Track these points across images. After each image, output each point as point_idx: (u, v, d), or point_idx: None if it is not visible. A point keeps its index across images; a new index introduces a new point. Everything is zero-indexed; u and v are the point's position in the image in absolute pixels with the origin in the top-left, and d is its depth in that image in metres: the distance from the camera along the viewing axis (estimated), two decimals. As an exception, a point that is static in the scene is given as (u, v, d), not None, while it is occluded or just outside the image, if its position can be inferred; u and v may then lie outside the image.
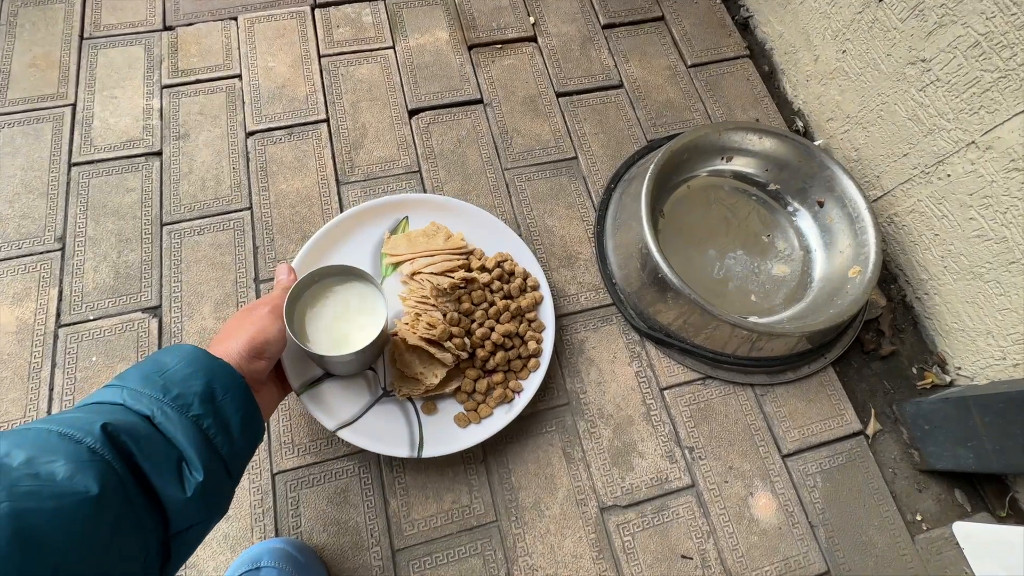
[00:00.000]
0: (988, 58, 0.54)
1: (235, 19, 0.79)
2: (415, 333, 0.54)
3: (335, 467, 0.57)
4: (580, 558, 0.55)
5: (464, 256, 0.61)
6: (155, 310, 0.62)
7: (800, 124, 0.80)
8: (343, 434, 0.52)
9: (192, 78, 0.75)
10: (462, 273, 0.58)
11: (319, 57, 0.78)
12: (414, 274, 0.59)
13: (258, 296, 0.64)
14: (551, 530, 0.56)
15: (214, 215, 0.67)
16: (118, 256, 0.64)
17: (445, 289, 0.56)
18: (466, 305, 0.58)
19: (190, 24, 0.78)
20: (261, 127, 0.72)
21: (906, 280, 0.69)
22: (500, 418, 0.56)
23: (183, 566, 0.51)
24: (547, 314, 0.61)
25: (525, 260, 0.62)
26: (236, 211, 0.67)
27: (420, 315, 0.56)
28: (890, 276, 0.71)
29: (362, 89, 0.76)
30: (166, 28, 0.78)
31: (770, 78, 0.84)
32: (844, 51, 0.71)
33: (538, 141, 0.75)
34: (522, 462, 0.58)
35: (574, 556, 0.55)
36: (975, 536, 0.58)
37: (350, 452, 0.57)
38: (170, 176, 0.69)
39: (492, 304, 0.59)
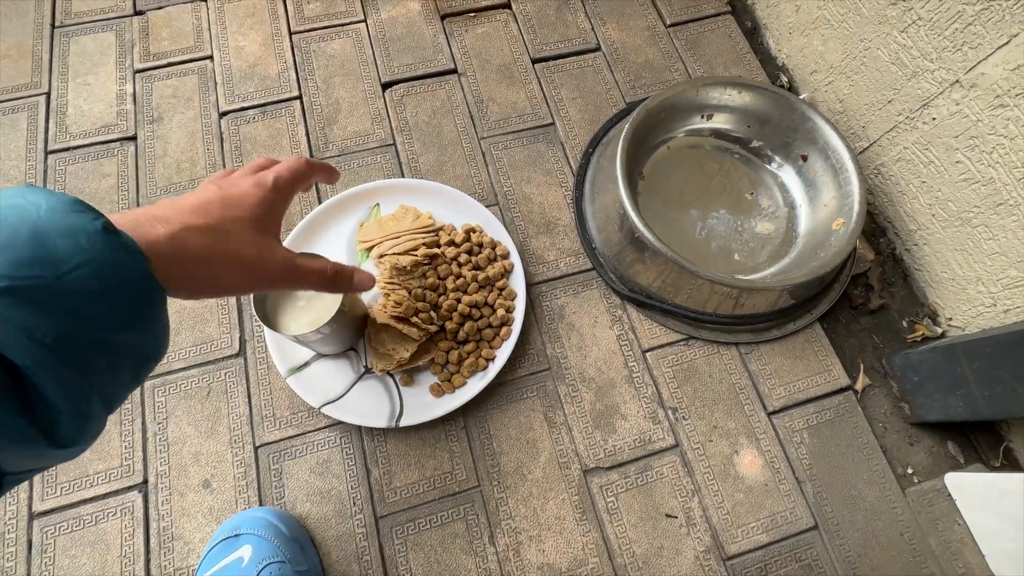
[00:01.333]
0: (969, -10, 0.51)
1: (205, 0, 0.78)
2: (384, 312, 0.56)
3: (317, 439, 0.57)
4: (563, 520, 0.55)
5: (432, 233, 0.62)
6: (135, 292, 0.62)
7: (784, 79, 0.78)
8: (327, 410, 0.54)
9: (164, 61, 0.74)
10: (424, 250, 0.59)
11: (290, 34, 0.77)
12: (381, 256, 0.60)
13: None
14: (534, 493, 0.56)
15: (190, 196, 0.67)
16: (97, 240, 0.64)
17: (405, 267, 0.58)
18: (431, 279, 0.59)
19: (160, 8, 0.78)
20: (234, 107, 0.72)
21: (895, 232, 0.67)
22: (473, 386, 0.56)
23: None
24: (518, 282, 0.61)
25: (494, 230, 0.63)
26: (212, 191, 0.67)
27: (388, 295, 0.57)
28: (878, 229, 0.69)
29: (334, 64, 0.75)
30: (136, 13, 0.78)
31: (752, 34, 0.82)
32: (825, -2, 0.68)
33: (514, 109, 0.74)
34: (503, 428, 0.58)
35: (557, 518, 0.55)
36: (967, 486, 0.56)
37: (331, 424, 0.57)
38: (145, 160, 0.69)
39: (459, 276, 0.60)
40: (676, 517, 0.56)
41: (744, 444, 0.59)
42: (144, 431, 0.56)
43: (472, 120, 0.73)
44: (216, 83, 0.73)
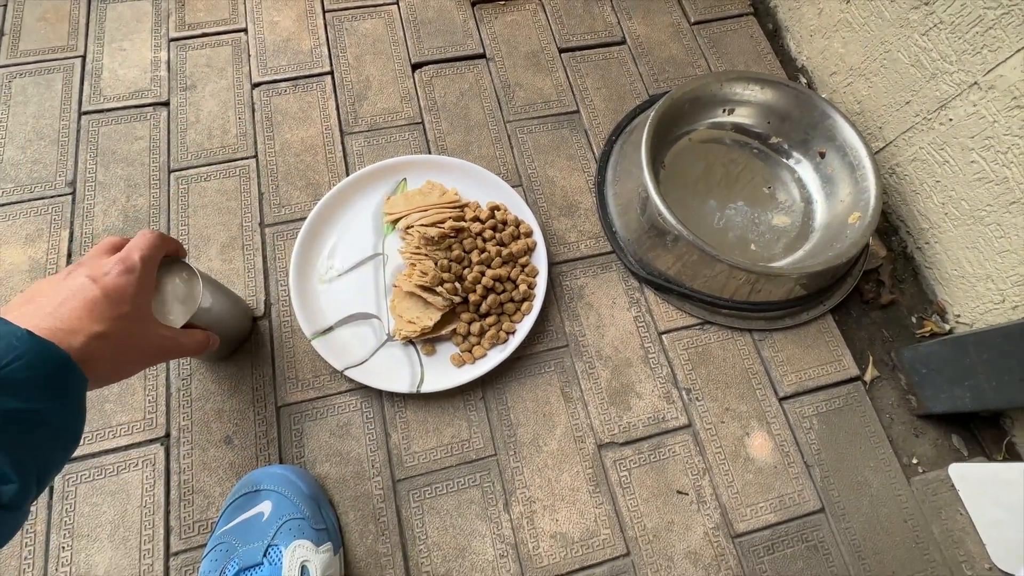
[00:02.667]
0: (991, -6, 0.53)
1: (241, -25, 0.80)
2: (410, 280, 0.57)
3: (337, 402, 0.58)
4: (577, 491, 0.56)
5: (458, 208, 0.63)
6: (163, 252, 0.63)
7: (804, 80, 0.80)
8: (350, 373, 0.56)
9: (199, 31, 0.76)
10: (451, 223, 0.60)
11: (324, 12, 0.78)
12: (408, 228, 0.62)
13: (263, 241, 0.65)
14: (549, 464, 0.57)
15: (220, 163, 0.68)
16: (127, 200, 0.65)
17: (433, 237, 0.59)
18: (456, 252, 0.60)
19: (197, -20, 0.79)
20: (267, 79, 0.73)
21: (907, 231, 0.69)
22: (494, 357, 0.58)
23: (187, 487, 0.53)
24: (540, 259, 0.62)
25: (519, 209, 0.64)
26: (242, 159, 0.69)
27: (415, 265, 0.59)
28: (891, 228, 0.71)
29: (366, 43, 0.77)
30: (173, -16, 0.79)
31: (774, 36, 0.84)
32: (848, 1, 0.70)
33: (540, 95, 0.76)
34: (521, 400, 0.59)
35: (571, 489, 0.56)
36: (970, 476, 0.58)
37: (352, 388, 0.58)
38: (177, 125, 0.70)
39: (484, 251, 0.61)
40: (687, 494, 0.57)
41: (755, 427, 0.60)
42: (168, 386, 0.57)
43: (499, 103, 0.75)
44: (250, 55, 0.75)
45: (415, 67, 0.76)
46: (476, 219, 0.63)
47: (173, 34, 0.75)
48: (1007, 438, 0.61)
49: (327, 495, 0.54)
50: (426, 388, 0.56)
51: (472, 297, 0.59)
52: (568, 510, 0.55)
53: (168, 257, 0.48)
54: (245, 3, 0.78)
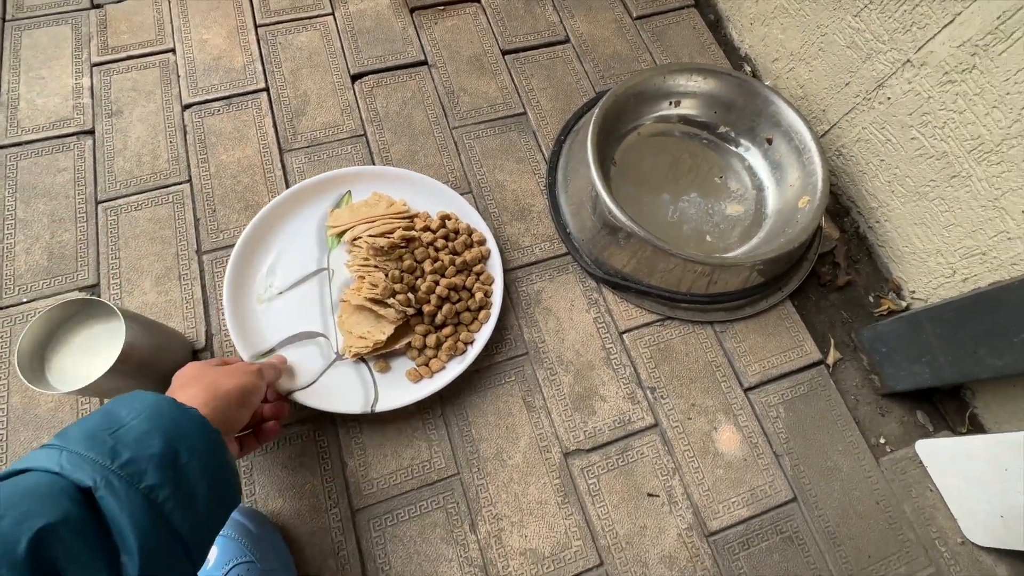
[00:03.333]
0: (915, -28, 0.54)
1: (166, -6, 0.77)
2: (359, 294, 0.54)
3: (289, 432, 0.55)
4: (545, 504, 0.54)
5: (408, 219, 0.61)
6: (93, 288, 0.59)
7: (748, 69, 0.80)
8: (297, 397, 0.52)
9: (123, 55, 0.72)
10: (401, 232, 0.58)
11: (256, 27, 0.76)
12: (355, 240, 0.59)
13: (201, 268, 0.61)
14: (514, 478, 0.55)
15: (152, 190, 0.65)
16: (51, 237, 0.62)
17: (383, 248, 0.56)
18: (408, 262, 0.57)
19: (119, 1, 0.76)
20: (198, 99, 0.70)
21: (858, 211, 0.69)
22: (452, 370, 0.55)
23: None
24: (495, 266, 0.60)
25: (470, 217, 0.62)
26: (175, 184, 0.65)
27: (363, 277, 0.56)
28: (843, 209, 0.71)
29: (302, 57, 0.74)
30: (94, 6, 0.75)
31: (716, 26, 0.84)
32: (782, -12, 0.71)
33: (485, 99, 0.74)
34: (482, 414, 0.57)
35: (539, 503, 0.54)
36: (937, 452, 0.58)
37: (304, 418, 0.55)
38: (104, 153, 0.66)
39: (436, 260, 0.59)
40: (658, 496, 0.55)
41: (722, 420, 0.59)
42: (103, 432, 0.53)
43: (444, 110, 0.73)
44: (179, 76, 0.72)
45: (355, 78, 0.74)
46: (427, 229, 0.61)
47: (96, 59, 0.72)
48: (969, 410, 0.61)
49: (281, 533, 0.51)
50: (381, 407, 0.53)
51: (427, 308, 0.56)
52: (537, 524, 0.53)
53: (86, 299, 0.46)
54: (172, 22, 0.75)
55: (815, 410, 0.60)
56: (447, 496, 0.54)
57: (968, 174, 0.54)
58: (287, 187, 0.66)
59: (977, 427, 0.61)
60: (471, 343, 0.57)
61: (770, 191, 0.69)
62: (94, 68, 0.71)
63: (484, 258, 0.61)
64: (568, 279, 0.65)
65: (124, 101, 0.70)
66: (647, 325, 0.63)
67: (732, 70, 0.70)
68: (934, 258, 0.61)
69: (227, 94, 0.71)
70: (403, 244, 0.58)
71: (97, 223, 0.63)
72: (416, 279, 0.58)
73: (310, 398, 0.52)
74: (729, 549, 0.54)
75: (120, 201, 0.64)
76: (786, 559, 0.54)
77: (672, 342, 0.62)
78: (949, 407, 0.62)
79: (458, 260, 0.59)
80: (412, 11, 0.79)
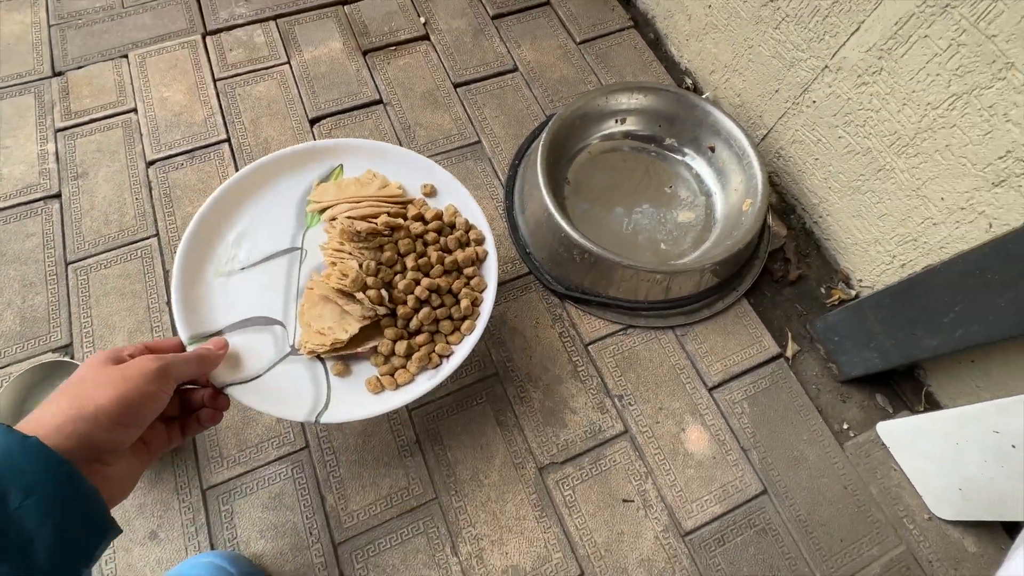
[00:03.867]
0: (820, -13, 0.58)
1: (125, 56, 0.80)
2: (327, 282, 0.47)
3: (267, 473, 0.56)
4: (523, 519, 0.55)
5: (399, 204, 0.53)
6: (66, 348, 0.61)
7: (689, 81, 0.84)
8: (233, 392, 0.43)
9: (86, 118, 0.75)
10: (385, 218, 0.50)
11: (214, 81, 0.79)
12: (332, 219, 0.51)
13: (172, 319, 0.63)
14: (492, 497, 0.56)
15: (120, 247, 0.66)
16: (23, 301, 0.63)
17: (360, 233, 0.48)
18: (389, 254, 0.49)
19: (80, 67, 0.78)
20: (161, 155, 0.72)
21: (803, 208, 0.73)
22: (421, 385, 0.47)
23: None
24: (490, 272, 0.52)
25: (472, 213, 0.54)
26: (143, 239, 0.67)
27: (335, 264, 0.48)
28: (788, 207, 0.74)
29: (261, 106, 0.77)
30: (56, 74, 0.78)
31: (656, 44, 0.89)
32: (710, 6, 0.75)
33: (440, 131, 0.77)
34: (455, 437, 0.59)
35: (517, 519, 0.55)
36: (897, 432, 0.60)
37: (281, 456, 0.57)
38: (71, 215, 0.68)
39: (423, 255, 0.51)
40: (632, 501, 0.57)
41: (689, 421, 0.61)
42: (82, 490, 0.54)
43: (400, 145, 0.76)
44: (141, 134, 0.74)
45: (313, 122, 0.77)
46: (420, 218, 0.53)
47: (59, 124, 0.74)
48: (924, 389, 0.64)
49: (266, 573, 0.52)
50: (329, 417, 0.44)
51: (401, 310, 0.48)
52: (517, 540, 0.55)
53: (56, 361, 0.47)
54: (132, 83, 0.78)
55: (778, 403, 0.63)
56: (427, 521, 0.55)
57: (891, 167, 0.58)
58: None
59: (933, 404, 0.63)
60: (447, 356, 0.49)
61: (717, 196, 0.72)
62: (58, 133, 0.73)
63: (479, 260, 0.52)
64: (531, 298, 0.67)
65: (89, 163, 0.72)
66: (611, 335, 0.65)
67: (670, 86, 0.74)
68: (874, 247, 0.64)
69: (189, 148, 0.73)
70: (387, 232, 0.50)
71: (68, 284, 0.64)
72: (395, 274, 0.49)
73: (248, 395, 0.43)
74: (705, 547, 0.55)
75: (89, 260, 0.65)
76: (761, 551, 0.56)
77: (636, 349, 0.64)
78: (906, 387, 0.65)
79: (447, 259, 0.51)
80: (365, 53, 0.83)
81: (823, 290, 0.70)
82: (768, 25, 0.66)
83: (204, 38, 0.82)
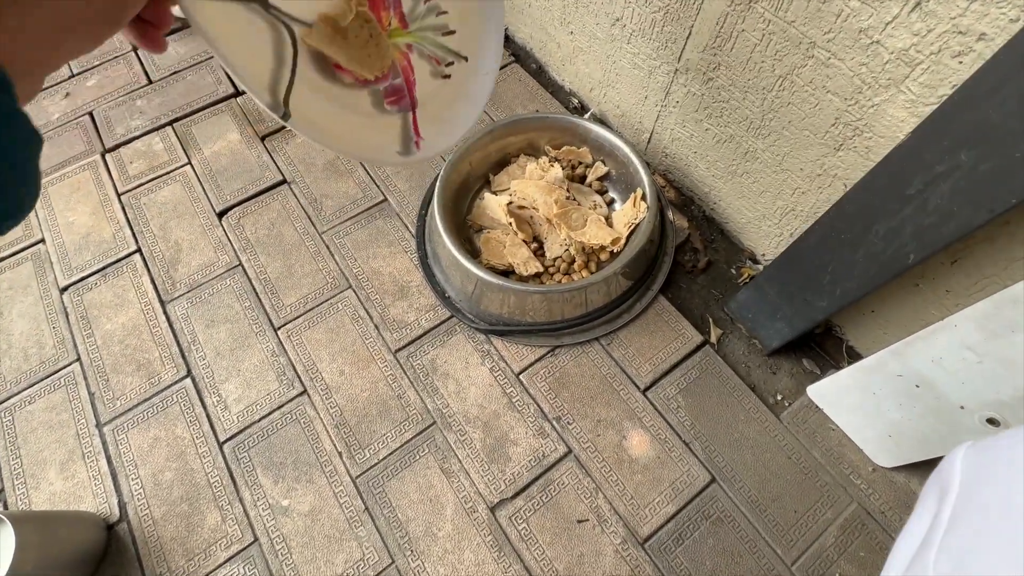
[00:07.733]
0: (649, 2, 0.63)
1: (27, 190, 0.81)
2: None
3: (221, 574, 0.55)
4: (483, 564, 0.55)
5: None
6: (-2, 495, 0.60)
7: (576, 101, 0.89)
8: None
9: (-5, 259, 0.75)
10: None
11: (118, 196, 0.80)
12: None
13: (103, 441, 0.62)
14: (448, 549, 0.56)
15: (42, 379, 0.66)
16: (-52, 457, 0.62)
17: None
18: None
19: (-17, 210, 0.79)
20: (74, 279, 0.73)
21: (699, 199, 0.76)
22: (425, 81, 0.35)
23: None
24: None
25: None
26: (64, 367, 0.67)
27: None
28: (686, 199, 0.78)
29: (167, 210, 0.79)
30: (-41, 222, 0.78)
31: (539, 73, 0.93)
32: (571, 32, 0.80)
33: (347, 197, 0.80)
34: (403, 495, 0.59)
35: (476, 564, 0.55)
36: (825, 392, 0.62)
37: (231, 556, 0.56)
38: (-11, 359, 0.68)
39: None
40: (587, 520, 0.57)
41: (628, 427, 0.62)
42: None
43: (310, 219, 0.78)
44: (52, 263, 0.75)
45: (220, 215, 0.78)
46: None
47: (-32, 270, 0.74)
48: (844, 344, 0.66)
49: None
50: (298, 102, 0.29)
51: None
52: (479, 587, 0.54)
53: None
54: (37, 214, 0.79)
55: (711, 389, 0.64)
56: (386, 589, 0.54)
57: (754, 148, 0.61)
58: (175, 338, 0.68)
59: (855, 357, 0.65)
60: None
61: (618, 204, 0.75)
62: (-32, 280, 0.74)
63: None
64: (458, 340, 0.68)
65: (2, 302, 0.72)
66: (539, 360, 0.66)
67: (549, 113, 0.78)
68: (764, 222, 0.67)
69: (101, 266, 0.74)
70: None
71: (-8, 429, 0.63)
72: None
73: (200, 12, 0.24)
74: (665, 550, 0.56)
75: (12, 400, 0.65)
76: (720, 541, 0.56)
77: (565, 368, 0.66)
78: (828, 346, 0.67)
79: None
80: (263, 138, 0.86)
81: (734, 271, 0.73)
82: (621, 41, 0.71)
83: (104, 156, 0.84)
